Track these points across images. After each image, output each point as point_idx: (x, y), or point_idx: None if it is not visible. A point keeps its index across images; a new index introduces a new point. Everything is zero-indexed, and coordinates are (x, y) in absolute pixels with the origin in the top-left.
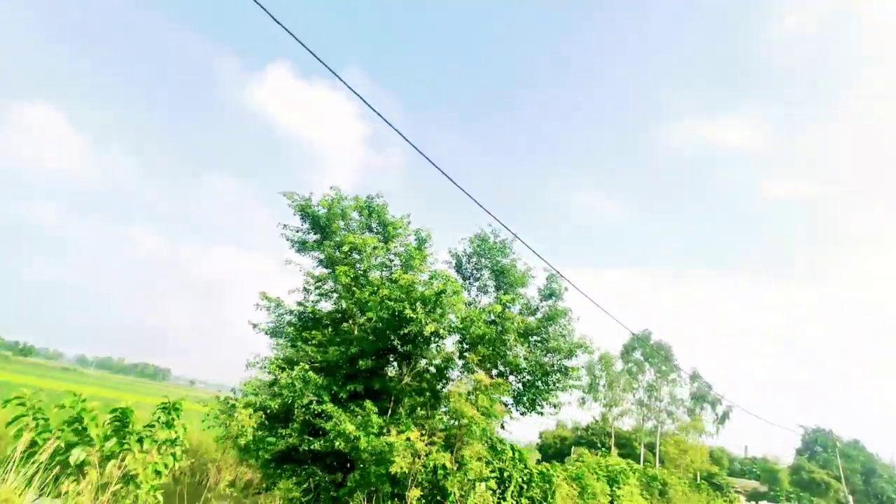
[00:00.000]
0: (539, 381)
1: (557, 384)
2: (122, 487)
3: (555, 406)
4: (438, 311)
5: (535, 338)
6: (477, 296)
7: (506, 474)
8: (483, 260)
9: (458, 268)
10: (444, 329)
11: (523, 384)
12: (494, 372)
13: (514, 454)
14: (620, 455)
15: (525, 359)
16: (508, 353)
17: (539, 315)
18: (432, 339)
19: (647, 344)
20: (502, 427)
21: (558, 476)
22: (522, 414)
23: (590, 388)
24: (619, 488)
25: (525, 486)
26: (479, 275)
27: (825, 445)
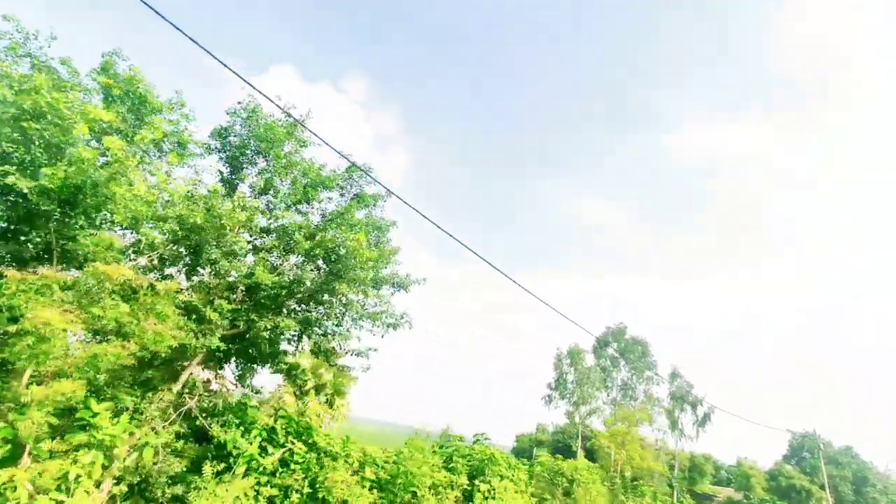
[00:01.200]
0: (295, 306)
1: (338, 315)
2: None
3: (358, 354)
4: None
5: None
6: (254, 196)
7: (232, 447)
8: (262, 145)
9: (224, 151)
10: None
11: (259, 305)
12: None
13: (241, 411)
14: (590, 458)
15: (280, 274)
16: (215, 251)
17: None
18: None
19: (622, 338)
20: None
21: (337, 457)
22: (269, 362)
23: (557, 384)
24: (483, 482)
25: (280, 471)
26: (250, 162)
27: (813, 451)
